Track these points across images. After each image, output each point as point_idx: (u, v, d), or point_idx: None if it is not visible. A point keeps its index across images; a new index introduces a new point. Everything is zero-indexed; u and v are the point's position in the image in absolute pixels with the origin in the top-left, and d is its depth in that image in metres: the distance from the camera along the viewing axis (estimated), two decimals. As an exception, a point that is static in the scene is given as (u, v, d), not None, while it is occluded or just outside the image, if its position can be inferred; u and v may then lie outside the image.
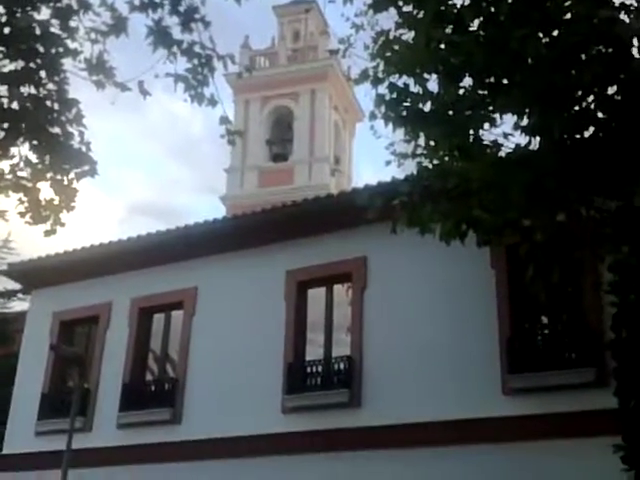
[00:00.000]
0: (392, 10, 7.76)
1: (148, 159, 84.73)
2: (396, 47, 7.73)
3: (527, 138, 7.55)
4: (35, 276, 15.23)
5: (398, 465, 10.36)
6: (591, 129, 7.32)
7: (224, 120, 6.79)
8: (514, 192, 7.40)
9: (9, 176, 6.90)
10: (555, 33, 6.92)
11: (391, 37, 7.82)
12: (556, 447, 9.38)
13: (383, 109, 7.90)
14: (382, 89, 7.93)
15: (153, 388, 13.38)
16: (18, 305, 19.75)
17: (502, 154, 7.73)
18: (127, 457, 12.50)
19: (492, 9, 7.08)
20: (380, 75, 7.92)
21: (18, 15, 5.99)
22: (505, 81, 7.24)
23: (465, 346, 10.54)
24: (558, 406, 9.58)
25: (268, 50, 32.40)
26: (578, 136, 7.40)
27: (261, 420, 11.70)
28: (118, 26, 6.28)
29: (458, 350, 10.57)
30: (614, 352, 8.10)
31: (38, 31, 6.02)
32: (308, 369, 11.83)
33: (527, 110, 7.30)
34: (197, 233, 13.43)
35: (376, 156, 40.47)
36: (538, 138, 7.48)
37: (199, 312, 13.22)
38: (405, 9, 7.62)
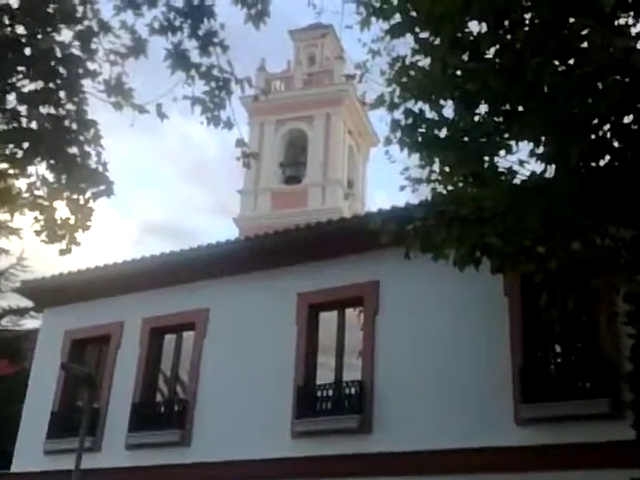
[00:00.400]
0: (409, 36, 7.79)
1: (162, 180, 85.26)
2: (412, 73, 7.76)
3: (543, 166, 7.53)
4: (48, 294, 15.28)
5: (408, 493, 10.25)
6: (607, 157, 7.30)
7: (240, 143, 6.83)
8: (529, 219, 7.37)
9: (26, 194, 6.94)
10: (571, 61, 6.92)
11: (407, 63, 7.84)
12: (570, 478, 9.25)
13: (399, 134, 7.91)
14: (398, 114, 7.96)
15: (163, 409, 13.35)
16: (30, 323, 19.79)
17: (517, 181, 7.71)
18: (135, 478, 12.46)
19: (508, 37, 7.10)
20: (396, 100, 7.95)
21: (39, 36, 6.07)
22: (521, 108, 7.23)
23: (477, 374, 10.45)
24: (572, 437, 9.46)
25: (284, 74, 32.63)
26: (594, 164, 7.37)
27: (270, 444, 11.63)
28: (137, 48, 6.34)
29: (470, 378, 10.49)
30: (632, 384, 8.01)
31: (59, 52, 6.10)
32: (319, 393, 11.77)
33: (543, 138, 7.29)
34: (210, 254, 13.45)
35: (389, 181, 40.65)
36: (554, 166, 7.46)
37: (210, 334, 13.20)
38: (422, 35, 7.65)
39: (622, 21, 6.72)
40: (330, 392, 11.69)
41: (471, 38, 7.29)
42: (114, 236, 72.54)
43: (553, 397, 9.81)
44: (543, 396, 9.88)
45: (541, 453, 9.57)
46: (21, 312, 19.81)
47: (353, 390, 11.45)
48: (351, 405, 11.37)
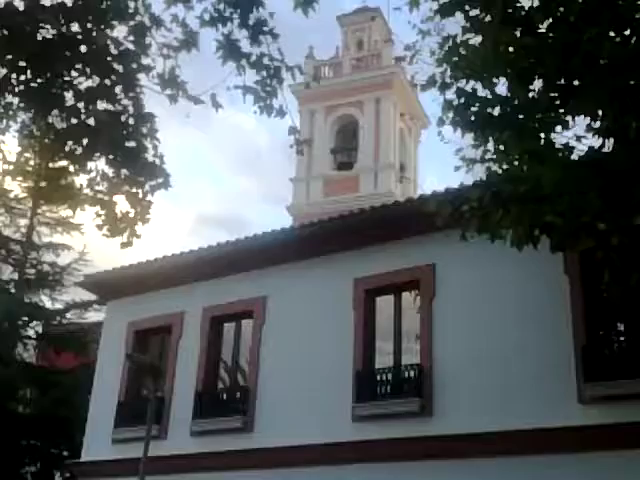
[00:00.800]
0: (458, 15, 7.69)
1: (213, 171, 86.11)
2: (463, 52, 7.66)
3: (600, 140, 7.38)
4: (110, 287, 15.64)
5: (471, 476, 10.22)
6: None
7: (293, 130, 6.85)
8: (588, 195, 7.23)
9: (87, 190, 7.11)
10: (627, 32, 6.75)
11: (458, 42, 7.74)
12: (634, 457, 9.10)
13: (451, 114, 7.84)
14: (450, 94, 7.88)
15: (225, 396, 13.57)
16: (94, 316, 20.34)
17: (575, 157, 7.57)
18: (201, 464, 12.70)
19: (562, 10, 6.96)
20: (447, 80, 7.87)
21: (94, 34, 6.19)
22: (577, 82, 7.09)
23: (539, 354, 10.33)
24: (636, 415, 9.29)
25: (332, 60, 32.57)
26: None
27: (331, 428, 11.72)
28: (189, 41, 6.42)
29: (531, 358, 10.38)
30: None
31: (113, 48, 6.21)
32: (378, 377, 11.80)
33: (600, 112, 7.13)
34: (265, 243, 13.57)
35: (442, 163, 40.17)
36: (612, 140, 7.30)
37: (268, 321, 13.34)
38: (472, 13, 7.54)
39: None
40: (389, 376, 11.71)
41: (523, 13, 7.16)
42: (169, 228, 73.66)
43: (616, 375, 9.65)
44: (606, 374, 9.73)
45: (605, 432, 9.43)
46: (85, 305, 20.34)
47: (412, 373, 11.45)
48: (410, 388, 11.38)
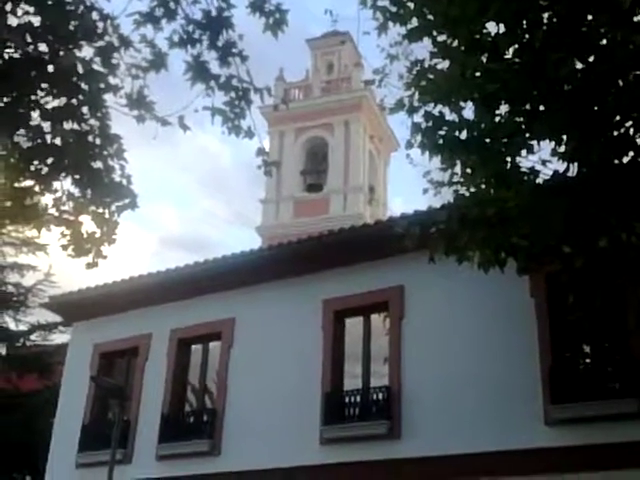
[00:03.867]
0: (426, 40, 7.80)
1: (179, 192, 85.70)
2: (431, 76, 7.77)
3: (565, 164, 7.50)
4: (76, 308, 15.43)
5: (439, 497, 10.20)
6: (630, 154, 7.25)
7: (261, 152, 6.85)
8: (553, 219, 7.33)
9: (52, 210, 7.03)
10: (591, 59, 6.89)
11: (426, 66, 7.85)
12: (600, 479, 9.16)
13: (419, 138, 7.92)
14: (418, 118, 7.97)
15: (192, 420, 13.41)
16: (59, 337, 20.02)
17: (540, 181, 7.68)
18: (166, 489, 12.51)
19: (527, 36, 7.09)
20: (416, 104, 7.95)
21: (61, 53, 6.15)
22: (542, 107, 7.21)
23: (506, 376, 10.38)
24: (602, 437, 9.38)
25: (302, 82, 32.76)
26: (617, 161, 7.32)
27: (299, 451, 11.64)
28: (158, 62, 6.40)
29: (499, 380, 10.43)
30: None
31: (81, 68, 6.17)
32: (346, 399, 11.76)
33: (564, 136, 7.26)
34: (235, 264, 13.51)
35: (410, 185, 40.50)
36: (576, 164, 7.43)
37: (237, 343, 13.25)
38: (439, 38, 7.66)
39: (641, 17, 6.68)
40: (358, 398, 11.68)
41: (489, 39, 7.29)
42: (134, 249, 73.06)
43: (582, 397, 9.72)
44: (572, 397, 9.80)
45: (571, 454, 9.49)
46: (50, 327, 20.02)
47: (381, 396, 11.43)
48: (379, 411, 11.35)
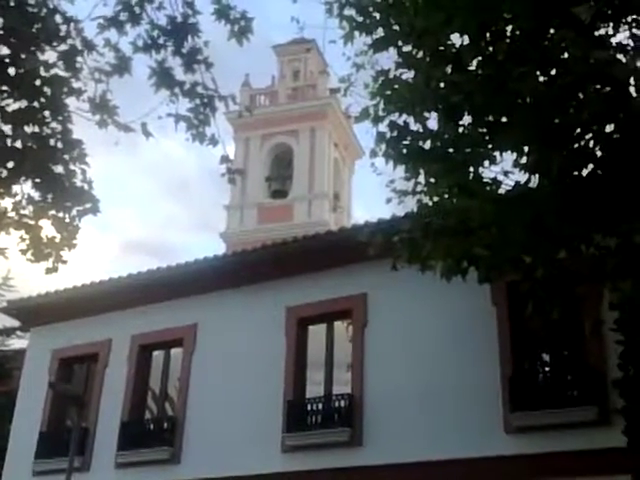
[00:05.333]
0: (392, 50, 7.86)
1: (141, 197, 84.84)
2: (396, 86, 7.81)
3: (527, 176, 7.59)
4: (34, 313, 15.18)
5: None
6: (590, 167, 7.37)
7: (225, 159, 6.83)
8: (514, 229, 7.42)
9: (11, 214, 6.91)
10: (553, 72, 6.99)
11: (391, 76, 7.89)
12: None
13: (384, 147, 7.96)
14: (382, 127, 8.00)
15: (152, 427, 13.27)
16: (17, 343, 19.66)
17: (502, 191, 7.77)
18: (125, 497, 12.35)
19: (490, 49, 7.18)
20: (380, 113, 7.99)
21: (23, 56, 6.06)
22: (504, 119, 7.29)
23: (467, 383, 10.47)
24: (561, 445, 9.50)
25: (268, 89, 32.72)
26: (577, 173, 7.44)
27: (261, 459, 11.58)
28: (121, 66, 6.35)
29: (460, 387, 10.51)
30: (621, 390, 8.05)
31: (43, 71, 6.10)
32: (308, 407, 11.75)
33: (526, 148, 7.35)
34: (197, 270, 13.43)
35: (375, 193, 40.71)
36: (537, 176, 7.53)
37: (199, 349, 13.16)
38: (405, 49, 7.71)
39: (603, 31, 6.81)
40: (320, 406, 11.68)
41: (453, 50, 7.36)
42: (94, 254, 72.15)
43: (542, 405, 9.85)
44: (532, 405, 9.92)
45: (531, 461, 9.59)
46: (7, 332, 19.67)
47: (343, 403, 11.44)
48: (341, 418, 11.36)
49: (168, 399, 13.57)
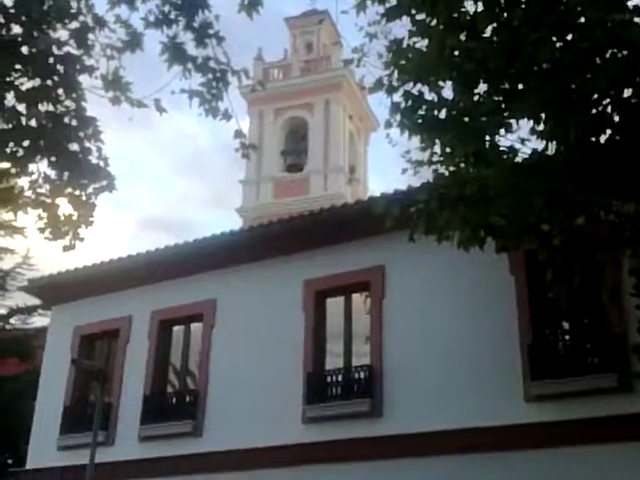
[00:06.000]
0: (405, 19, 7.76)
1: (156, 174, 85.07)
2: (410, 55, 7.72)
3: (544, 143, 7.52)
4: (55, 292, 15.33)
5: (421, 474, 10.30)
6: (608, 132, 7.28)
7: (239, 134, 6.81)
8: (532, 198, 7.36)
9: (28, 193, 6.96)
10: (569, 37, 6.89)
11: (404, 45, 7.80)
12: (580, 453, 9.31)
13: (398, 117, 7.89)
14: (397, 97, 7.93)
15: (174, 401, 13.41)
16: (39, 321, 19.91)
17: (519, 159, 7.70)
18: (149, 470, 12.53)
19: (505, 15, 7.07)
20: (394, 83, 7.91)
21: (35, 35, 6.06)
22: (520, 86, 7.21)
23: (486, 353, 10.48)
24: (581, 412, 9.50)
25: (281, 62, 32.54)
26: (595, 140, 7.35)
27: (282, 431, 11.69)
28: (133, 42, 6.33)
29: (479, 358, 10.52)
30: (640, 355, 8.01)
31: (55, 50, 6.09)
32: (328, 379, 11.82)
33: (543, 115, 7.27)
34: (215, 245, 13.47)
35: (391, 165, 40.54)
36: (554, 143, 7.45)
37: (218, 324, 13.25)
38: (418, 17, 7.61)
39: (619, -5, 6.69)
40: (340, 377, 11.74)
41: (468, 18, 7.26)
42: (112, 231, 72.55)
43: (562, 373, 9.84)
44: (552, 373, 9.92)
45: (552, 429, 9.61)
46: (29, 310, 19.90)
47: (362, 374, 11.50)
48: (361, 389, 11.42)
49: (189, 373, 13.70)
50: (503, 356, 10.33)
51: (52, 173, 6.81)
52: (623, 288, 8.98)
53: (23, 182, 7.10)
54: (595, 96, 6.98)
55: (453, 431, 10.27)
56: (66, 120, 6.44)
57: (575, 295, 9.79)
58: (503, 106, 7.44)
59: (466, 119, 7.57)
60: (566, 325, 10.85)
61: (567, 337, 10.76)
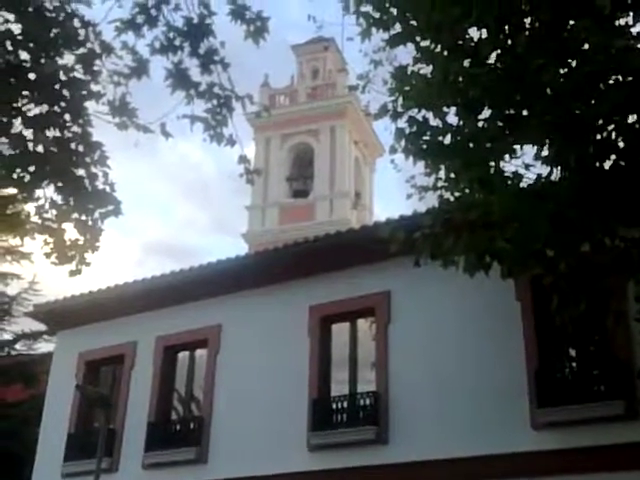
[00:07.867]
0: (410, 45, 7.82)
1: (161, 200, 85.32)
2: (414, 81, 7.77)
3: (548, 168, 7.52)
4: (60, 317, 15.32)
5: (427, 502, 10.19)
6: (612, 158, 7.28)
7: (243, 159, 6.83)
8: (537, 223, 7.35)
9: (35, 218, 6.97)
10: (573, 63, 6.92)
11: (409, 72, 7.86)
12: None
13: (403, 143, 7.92)
14: (402, 123, 7.97)
15: (178, 427, 13.34)
16: (44, 346, 19.84)
17: (523, 185, 7.70)
18: (153, 498, 12.43)
19: (509, 41, 7.12)
20: (399, 109, 7.95)
21: (42, 61, 6.11)
22: (524, 112, 7.24)
23: (492, 380, 10.40)
24: (588, 440, 9.42)
25: (287, 88, 32.78)
26: (599, 165, 7.36)
27: (287, 458, 11.60)
28: (139, 68, 6.38)
29: (485, 384, 10.44)
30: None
31: (62, 76, 6.14)
32: (333, 405, 11.74)
33: (547, 140, 7.28)
34: (220, 271, 13.47)
35: (393, 191, 40.60)
36: (559, 168, 7.45)
37: (223, 350, 13.21)
38: (422, 44, 7.67)
39: (622, 21, 6.73)
40: (345, 404, 11.66)
41: (472, 44, 7.30)
42: (117, 256, 72.65)
43: (568, 401, 9.76)
44: (558, 400, 9.84)
45: (558, 457, 9.51)
46: (34, 336, 19.85)
47: (368, 401, 11.42)
48: (366, 416, 11.34)
49: (194, 399, 13.63)
50: (509, 383, 10.25)
51: (58, 198, 6.81)
52: (629, 314, 8.91)
53: (29, 207, 7.12)
54: (599, 122, 6.99)
55: (460, 459, 10.17)
56: (72, 145, 6.47)
57: (581, 321, 9.74)
58: (507, 132, 7.46)
59: (471, 145, 7.59)
60: (572, 352, 10.78)
61: (573, 364, 10.68)
